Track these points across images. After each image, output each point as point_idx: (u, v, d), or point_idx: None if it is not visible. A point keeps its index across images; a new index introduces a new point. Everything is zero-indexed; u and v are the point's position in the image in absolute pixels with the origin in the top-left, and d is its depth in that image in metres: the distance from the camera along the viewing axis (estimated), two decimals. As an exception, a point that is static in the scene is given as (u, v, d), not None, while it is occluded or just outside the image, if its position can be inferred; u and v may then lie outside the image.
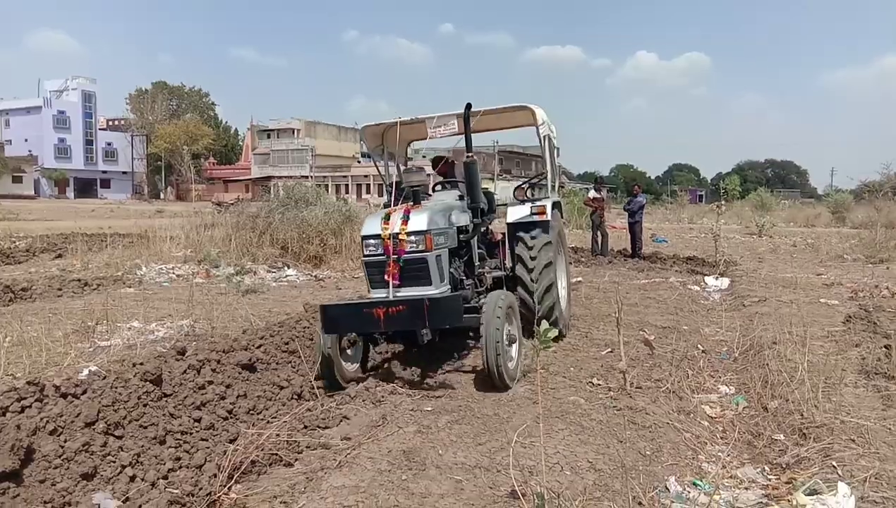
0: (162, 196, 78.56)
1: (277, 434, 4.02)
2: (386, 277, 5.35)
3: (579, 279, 12.01)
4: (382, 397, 5.18)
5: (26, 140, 74.91)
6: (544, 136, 7.45)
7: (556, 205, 7.66)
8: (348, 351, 5.87)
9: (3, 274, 11.56)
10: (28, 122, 75.93)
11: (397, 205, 6.04)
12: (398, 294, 5.35)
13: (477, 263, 6.69)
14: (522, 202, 7.28)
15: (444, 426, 4.54)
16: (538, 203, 7.10)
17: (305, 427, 4.33)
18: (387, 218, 5.48)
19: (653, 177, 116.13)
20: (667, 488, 3.68)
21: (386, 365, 6.14)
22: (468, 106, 6.04)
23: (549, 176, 7.68)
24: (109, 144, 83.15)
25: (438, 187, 7.24)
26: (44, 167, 74.81)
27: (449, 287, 5.67)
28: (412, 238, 5.34)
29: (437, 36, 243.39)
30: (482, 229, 6.94)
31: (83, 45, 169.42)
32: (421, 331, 5.52)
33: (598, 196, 17.63)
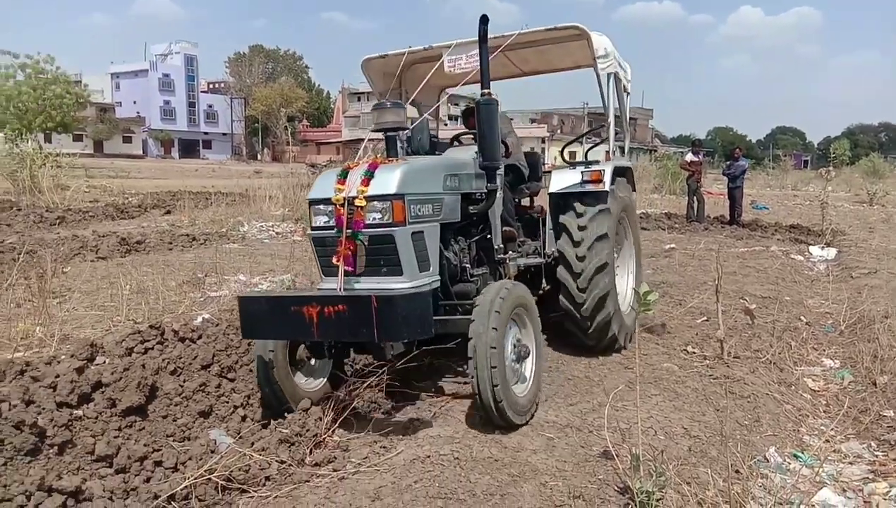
0: (259, 157, 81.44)
1: (376, 385, 4.19)
2: (335, 260, 3.76)
3: (673, 246, 11.71)
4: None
5: (135, 102, 79.06)
6: (608, 75, 5.49)
7: (622, 173, 5.79)
8: (311, 362, 4.24)
9: (119, 227, 12.40)
10: (136, 85, 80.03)
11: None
12: (356, 286, 3.79)
13: (498, 246, 4.86)
14: (573, 166, 5.48)
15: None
16: (593, 167, 5.26)
17: (402, 379, 4.49)
18: (343, 175, 3.86)
19: (754, 141, 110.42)
20: (766, 458, 3.62)
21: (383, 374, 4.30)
22: (483, 19, 4.20)
23: (611, 131, 5.58)
24: (210, 106, 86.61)
25: (457, 142, 5.73)
26: (150, 128, 78.91)
27: (436, 279, 4.04)
28: (374, 205, 3.70)
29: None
30: (515, 200, 5.56)
31: (185, 9, 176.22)
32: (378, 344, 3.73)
33: (696, 159, 16.95)
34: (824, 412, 4.49)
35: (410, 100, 6.01)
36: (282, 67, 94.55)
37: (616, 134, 5.79)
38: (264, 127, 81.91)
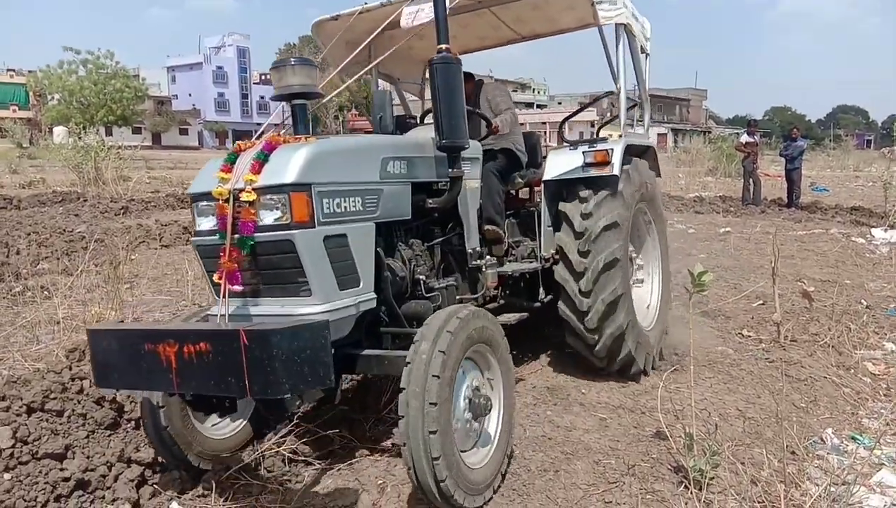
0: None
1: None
2: (216, 278, 2.78)
3: (728, 229, 11.51)
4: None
5: (190, 94, 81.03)
6: (617, 27, 4.43)
7: (639, 152, 4.79)
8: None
9: (180, 216, 12.84)
10: (191, 78, 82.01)
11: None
12: (251, 312, 2.85)
13: (473, 248, 3.91)
14: (574, 146, 4.44)
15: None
16: (599, 145, 4.26)
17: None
18: (231, 160, 2.86)
19: (813, 121, 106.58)
20: (822, 440, 3.60)
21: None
22: None
23: (621, 99, 4.48)
24: (262, 98, 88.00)
25: (428, 119, 4.56)
26: (206, 120, 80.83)
27: (369, 297, 3.01)
28: (268, 199, 2.72)
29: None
30: (505, 191, 4.49)
31: (238, 1, 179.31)
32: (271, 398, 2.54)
33: (751, 140, 16.52)
34: (885, 395, 4.41)
35: (378, 73, 5.15)
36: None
37: (632, 106, 4.88)
38: (314, 117, 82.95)
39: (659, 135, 57.63)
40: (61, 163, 17.87)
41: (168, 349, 2.42)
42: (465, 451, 2.92)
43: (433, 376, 2.62)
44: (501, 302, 4.28)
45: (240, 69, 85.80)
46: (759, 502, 2.78)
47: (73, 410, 3.33)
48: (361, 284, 2.96)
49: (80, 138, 17.52)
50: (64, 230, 10.18)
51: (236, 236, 2.70)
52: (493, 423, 3.10)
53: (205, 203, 2.88)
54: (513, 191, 4.86)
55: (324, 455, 3.23)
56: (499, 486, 3.05)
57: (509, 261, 4.43)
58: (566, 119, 5.48)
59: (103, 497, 3.03)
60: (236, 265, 2.73)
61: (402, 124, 4.37)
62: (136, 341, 2.55)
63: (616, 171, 4.15)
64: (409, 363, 2.68)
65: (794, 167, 15.68)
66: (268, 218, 2.70)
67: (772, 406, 3.93)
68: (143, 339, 2.51)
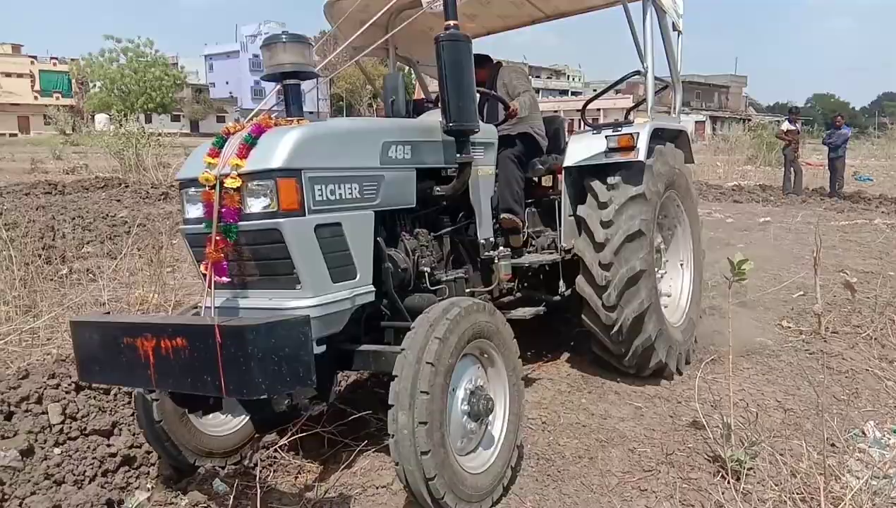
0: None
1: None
2: (203, 269, 2.65)
3: (768, 219, 11.30)
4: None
5: (227, 82, 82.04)
6: (647, 1, 4.20)
7: (671, 137, 4.49)
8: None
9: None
10: (228, 66, 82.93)
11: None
12: (240, 306, 2.73)
13: (486, 239, 3.70)
14: (597, 130, 4.15)
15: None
16: (624, 129, 3.99)
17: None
18: (220, 143, 2.70)
19: (857, 108, 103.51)
20: (863, 433, 3.53)
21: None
22: None
23: (648, 80, 4.22)
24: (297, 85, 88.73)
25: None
26: (242, 108, 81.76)
27: (366, 291, 2.83)
28: (255, 186, 2.56)
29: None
30: (524, 178, 4.26)
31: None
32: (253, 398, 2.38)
33: (793, 128, 16.16)
34: (930, 389, 4.31)
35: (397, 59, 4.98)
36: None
37: (662, 88, 4.66)
38: (349, 105, 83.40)
39: (697, 122, 56.53)
40: (103, 150, 18.26)
41: (146, 343, 2.32)
42: (464, 454, 2.76)
43: (427, 363, 2.46)
44: (518, 294, 4.12)
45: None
46: (797, 493, 2.75)
47: (119, 388, 3.43)
48: (358, 276, 2.78)
49: (121, 125, 17.87)
50: (107, 215, 10.43)
51: (221, 223, 2.56)
52: (497, 426, 2.92)
53: (193, 189, 2.74)
54: (535, 179, 4.66)
55: (360, 436, 3.28)
56: (500, 498, 2.82)
57: (528, 252, 4.24)
58: (588, 102, 5.14)
59: (148, 473, 3.12)
60: (222, 255, 2.58)
61: (419, 108, 4.10)
62: (115, 334, 2.46)
63: (642, 157, 3.87)
64: (403, 349, 2.53)
65: (838, 155, 15.32)
66: (255, 205, 2.55)
67: (812, 398, 3.87)
68: (123, 333, 2.42)
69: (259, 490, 2.23)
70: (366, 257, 2.83)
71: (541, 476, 3.08)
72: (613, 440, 3.41)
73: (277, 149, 2.53)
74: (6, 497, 2.77)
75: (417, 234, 3.34)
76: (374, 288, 2.87)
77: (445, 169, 3.38)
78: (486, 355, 2.89)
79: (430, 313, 2.65)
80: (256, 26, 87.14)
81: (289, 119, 2.76)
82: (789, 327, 5.33)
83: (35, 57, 62.62)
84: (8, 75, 57.17)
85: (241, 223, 2.55)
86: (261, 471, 2.95)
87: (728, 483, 2.89)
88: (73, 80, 52.10)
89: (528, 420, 3.60)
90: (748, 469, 2.97)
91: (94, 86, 42.10)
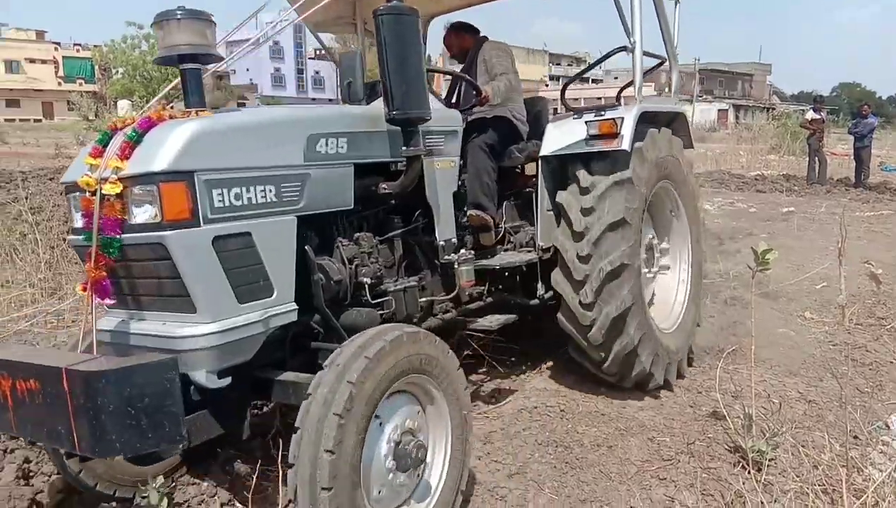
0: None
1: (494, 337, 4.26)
2: (80, 289, 2.26)
3: (791, 209, 11.16)
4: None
5: (247, 70, 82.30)
6: None
7: (668, 121, 4.12)
8: None
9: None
10: (249, 53, 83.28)
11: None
12: (131, 331, 2.34)
13: (446, 240, 3.25)
14: (578, 114, 3.71)
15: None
16: (607, 114, 3.57)
17: (508, 335, 4.59)
18: (104, 141, 2.29)
19: (884, 98, 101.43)
20: (887, 425, 3.49)
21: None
22: None
23: (636, 56, 3.77)
24: (317, 73, 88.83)
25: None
26: (262, 95, 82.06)
27: (286, 310, 2.43)
28: (136, 192, 2.15)
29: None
30: (496, 167, 3.74)
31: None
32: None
33: (818, 117, 15.93)
34: (956, 383, 4.25)
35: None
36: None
37: (658, 65, 4.29)
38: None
39: (720, 111, 55.80)
40: (126, 136, 18.41)
41: (4, 383, 1.99)
42: None
43: (334, 415, 2.04)
44: (488, 300, 3.72)
45: (295, 45, 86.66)
46: (819, 485, 2.72)
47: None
48: (275, 294, 2.37)
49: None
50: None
51: (102, 236, 2.15)
52: (436, 473, 2.49)
53: (77, 193, 2.29)
54: (517, 168, 4.11)
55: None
56: None
57: (505, 250, 3.83)
58: (567, 84, 4.69)
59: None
60: (104, 273, 2.16)
61: (376, 92, 3.14)
62: None
63: (625, 145, 3.41)
64: (308, 395, 2.12)
65: (864, 145, 15.08)
66: (139, 215, 2.14)
67: (835, 389, 3.83)
68: None
69: (280, 472, 2.24)
70: (286, 270, 2.43)
71: (559, 463, 3.08)
72: (632, 429, 3.40)
73: (163, 148, 2.11)
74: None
75: (358, 239, 2.88)
76: (296, 307, 2.46)
77: (395, 163, 2.95)
78: (423, 391, 2.46)
79: (345, 349, 2.21)
80: (276, 13, 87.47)
81: (186, 110, 2.36)
82: (812, 318, 5.28)
83: (59, 43, 63.23)
84: (32, 61, 57.87)
85: (124, 236, 2.16)
86: (282, 453, 2.97)
87: (749, 473, 2.87)
88: (96, 67, 52.46)
89: (547, 407, 3.60)
90: (769, 460, 2.94)
91: (117, 72, 42.34)
